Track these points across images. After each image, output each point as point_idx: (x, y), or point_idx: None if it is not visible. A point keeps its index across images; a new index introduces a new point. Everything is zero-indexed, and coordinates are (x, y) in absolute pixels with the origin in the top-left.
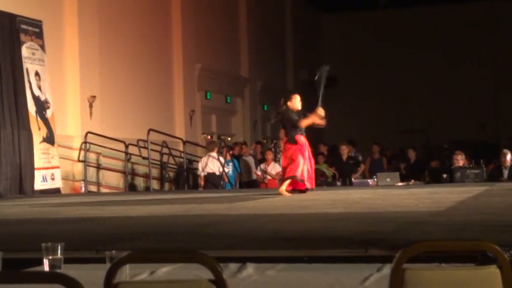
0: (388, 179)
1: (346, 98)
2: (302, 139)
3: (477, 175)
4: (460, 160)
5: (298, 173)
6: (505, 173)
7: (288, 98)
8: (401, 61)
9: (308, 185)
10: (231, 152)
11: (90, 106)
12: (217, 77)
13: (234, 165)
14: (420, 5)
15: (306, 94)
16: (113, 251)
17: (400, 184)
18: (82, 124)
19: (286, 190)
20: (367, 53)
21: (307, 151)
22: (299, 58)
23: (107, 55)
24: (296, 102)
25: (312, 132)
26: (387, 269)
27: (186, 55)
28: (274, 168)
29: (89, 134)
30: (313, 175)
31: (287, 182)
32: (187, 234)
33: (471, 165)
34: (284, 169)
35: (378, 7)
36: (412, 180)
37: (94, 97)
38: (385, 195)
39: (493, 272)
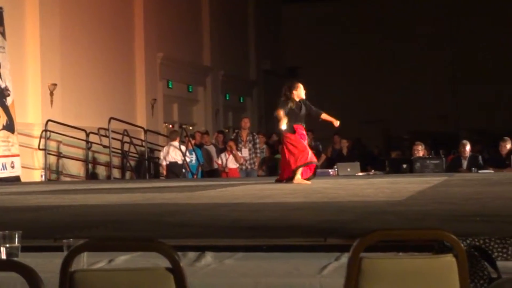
0: (348, 169)
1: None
2: (299, 129)
3: (436, 165)
4: (420, 150)
5: (309, 158)
6: (464, 163)
7: (293, 87)
8: (362, 51)
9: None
10: (193, 141)
11: (51, 94)
12: (179, 66)
13: (196, 154)
14: None
15: (268, 83)
16: (71, 240)
17: (360, 174)
18: (43, 112)
19: (305, 179)
20: (328, 43)
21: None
22: (261, 47)
23: (68, 42)
24: (300, 91)
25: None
26: (345, 258)
27: (148, 44)
28: (233, 159)
29: (49, 122)
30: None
31: (300, 170)
32: (146, 222)
33: (430, 156)
34: (290, 160)
35: None
36: (373, 170)
37: (55, 85)
38: (345, 185)
39: (449, 260)
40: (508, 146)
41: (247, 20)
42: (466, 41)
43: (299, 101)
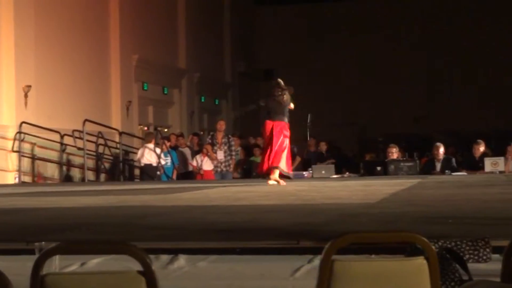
0: (323, 172)
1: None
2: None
3: (410, 168)
4: (394, 153)
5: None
6: (438, 166)
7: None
8: (337, 53)
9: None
10: (168, 143)
11: (25, 95)
12: (154, 68)
13: (171, 156)
14: None
15: (243, 85)
16: (43, 242)
17: (335, 176)
18: (17, 114)
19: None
20: (303, 45)
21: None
22: (237, 50)
23: (43, 44)
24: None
25: (250, 124)
26: (317, 261)
27: (123, 45)
28: (208, 161)
29: (23, 124)
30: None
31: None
32: (120, 225)
33: (404, 158)
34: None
35: (315, 0)
36: (347, 173)
37: (29, 86)
38: (319, 187)
39: (420, 263)
40: (482, 148)
41: (222, 22)
42: (440, 44)
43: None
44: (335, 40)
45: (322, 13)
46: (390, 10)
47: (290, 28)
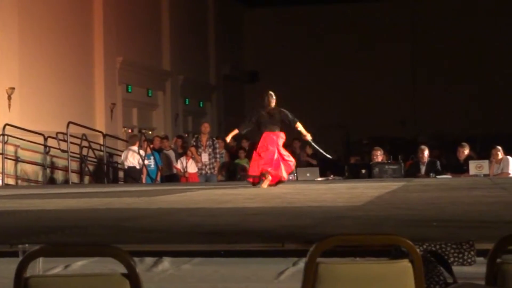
0: (308, 174)
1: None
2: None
3: (395, 170)
4: (379, 155)
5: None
6: (423, 169)
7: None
8: (321, 56)
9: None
10: (151, 145)
11: (9, 97)
12: (139, 71)
13: (155, 159)
14: (339, 1)
15: (227, 88)
16: (27, 245)
17: (319, 179)
18: (0, 116)
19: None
20: (289, 48)
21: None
22: (221, 52)
23: (26, 46)
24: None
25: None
26: (302, 263)
27: (107, 47)
28: (193, 163)
29: (7, 126)
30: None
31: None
32: (104, 228)
33: (389, 161)
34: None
35: (299, 3)
36: (332, 175)
37: (12, 88)
38: (304, 190)
39: (405, 266)
40: (466, 151)
41: (207, 24)
42: (425, 47)
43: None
44: (320, 43)
45: (307, 16)
46: (377, 14)
47: (275, 31)
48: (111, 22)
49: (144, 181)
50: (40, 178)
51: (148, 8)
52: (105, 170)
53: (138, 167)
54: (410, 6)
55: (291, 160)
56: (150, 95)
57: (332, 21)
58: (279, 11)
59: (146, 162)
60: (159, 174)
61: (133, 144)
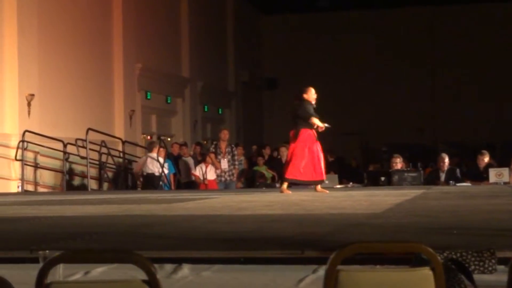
0: (327, 181)
1: (286, 100)
2: (307, 133)
3: (414, 178)
4: (398, 163)
5: (291, 176)
6: (442, 176)
7: (303, 90)
8: (340, 63)
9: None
10: (169, 152)
11: (29, 104)
12: (158, 77)
13: (168, 165)
14: (358, 8)
15: (246, 95)
16: (47, 251)
17: (338, 186)
18: (20, 122)
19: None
20: (307, 55)
21: (314, 145)
22: (240, 59)
23: (46, 53)
24: (311, 95)
25: (253, 134)
26: (322, 271)
27: (126, 54)
28: (212, 170)
29: (27, 133)
30: (320, 167)
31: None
32: (123, 234)
33: (408, 168)
34: (287, 164)
35: (317, 10)
36: (351, 183)
37: (32, 95)
38: (323, 197)
39: (426, 274)
40: (486, 159)
41: (226, 31)
42: (444, 54)
43: (311, 105)
44: (338, 49)
45: (326, 22)
46: (396, 21)
47: (294, 38)
48: (131, 29)
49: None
50: (59, 185)
51: (168, 15)
52: (124, 177)
53: (156, 174)
54: (430, 12)
55: None
56: (169, 101)
57: (351, 27)
58: (297, 17)
59: (165, 169)
60: (172, 180)
61: (152, 151)
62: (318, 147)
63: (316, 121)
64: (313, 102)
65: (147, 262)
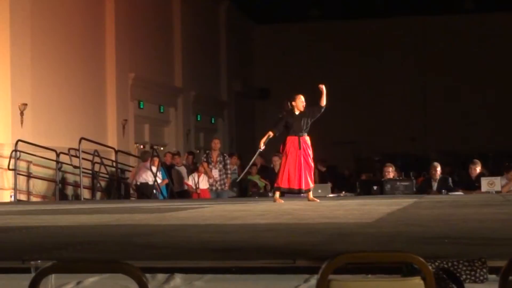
0: (319, 191)
1: (279, 110)
2: (290, 141)
3: (406, 187)
4: (390, 172)
5: (280, 184)
6: (434, 185)
7: (292, 98)
8: (332, 73)
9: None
10: (162, 161)
11: (21, 114)
12: (151, 87)
13: (162, 173)
14: (350, 18)
15: (239, 104)
16: (39, 261)
17: (331, 195)
18: (13, 132)
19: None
20: (300, 64)
21: (297, 153)
22: (232, 68)
23: (39, 62)
24: (299, 102)
25: (245, 143)
26: (314, 280)
27: (119, 64)
28: (204, 179)
29: (19, 142)
30: (304, 175)
31: (278, 193)
32: (116, 244)
33: (401, 178)
34: (277, 173)
35: (310, 20)
36: (343, 192)
37: (25, 104)
38: (315, 206)
39: (417, 283)
40: (478, 168)
41: (218, 41)
42: (436, 64)
43: (293, 114)
44: (330, 59)
45: (318, 32)
46: (388, 31)
47: (286, 47)
48: (124, 39)
49: (156, 197)
50: (52, 194)
51: (160, 24)
52: (117, 186)
53: (150, 183)
54: (422, 22)
55: None
56: (162, 111)
57: (343, 37)
58: (289, 27)
59: (158, 178)
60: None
61: (145, 160)
62: (303, 155)
63: (265, 137)
64: (302, 109)
65: (138, 272)
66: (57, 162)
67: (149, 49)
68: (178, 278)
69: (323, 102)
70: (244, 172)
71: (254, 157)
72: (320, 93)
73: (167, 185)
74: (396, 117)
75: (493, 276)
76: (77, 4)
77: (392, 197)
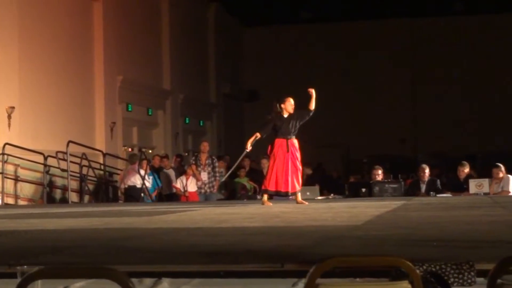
0: (308, 193)
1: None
2: (278, 143)
3: (395, 189)
4: (379, 174)
5: (268, 186)
6: (423, 187)
7: (281, 101)
8: (321, 75)
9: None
10: (150, 164)
11: (9, 117)
12: (139, 89)
13: (154, 178)
14: (339, 20)
15: (227, 106)
16: (25, 266)
17: (319, 198)
18: (0, 135)
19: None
20: (288, 67)
21: (284, 155)
22: (221, 71)
23: (26, 65)
24: (288, 105)
25: (234, 145)
26: (302, 284)
27: (107, 66)
28: (193, 182)
29: (7, 146)
30: (291, 178)
31: (266, 195)
32: (104, 248)
33: (389, 180)
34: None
35: (298, 22)
36: (332, 194)
37: (12, 107)
38: (304, 209)
39: (405, 287)
40: (466, 170)
41: (207, 43)
42: (425, 66)
43: (280, 117)
44: (319, 61)
45: (306, 34)
46: (378, 33)
47: (275, 50)
48: (112, 41)
49: (143, 200)
50: (39, 197)
51: (148, 27)
52: (105, 189)
53: (138, 186)
54: (411, 24)
55: None
56: (150, 114)
57: (331, 39)
58: (278, 29)
59: (146, 181)
60: (154, 193)
61: (134, 163)
62: (291, 158)
63: (253, 138)
64: (291, 112)
65: (124, 277)
66: (45, 165)
67: (137, 52)
68: (165, 283)
69: (312, 106)
70: (228, 173)
71: (240, 158)
72: (309, 97)
73: (153, 188)
74: (385, 119)
75: (481, 279)
76: (65, 7)
77: (381, 199)
